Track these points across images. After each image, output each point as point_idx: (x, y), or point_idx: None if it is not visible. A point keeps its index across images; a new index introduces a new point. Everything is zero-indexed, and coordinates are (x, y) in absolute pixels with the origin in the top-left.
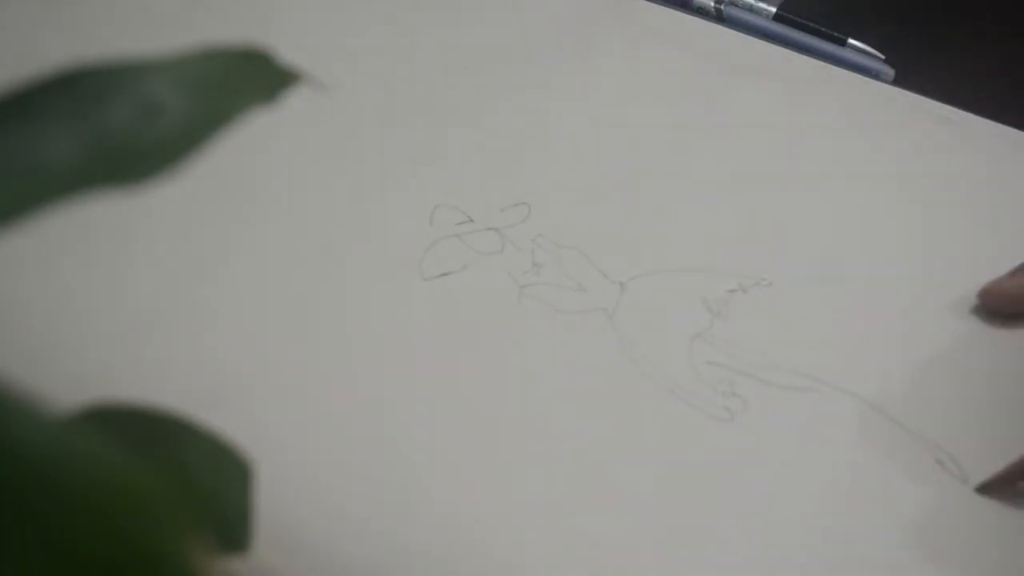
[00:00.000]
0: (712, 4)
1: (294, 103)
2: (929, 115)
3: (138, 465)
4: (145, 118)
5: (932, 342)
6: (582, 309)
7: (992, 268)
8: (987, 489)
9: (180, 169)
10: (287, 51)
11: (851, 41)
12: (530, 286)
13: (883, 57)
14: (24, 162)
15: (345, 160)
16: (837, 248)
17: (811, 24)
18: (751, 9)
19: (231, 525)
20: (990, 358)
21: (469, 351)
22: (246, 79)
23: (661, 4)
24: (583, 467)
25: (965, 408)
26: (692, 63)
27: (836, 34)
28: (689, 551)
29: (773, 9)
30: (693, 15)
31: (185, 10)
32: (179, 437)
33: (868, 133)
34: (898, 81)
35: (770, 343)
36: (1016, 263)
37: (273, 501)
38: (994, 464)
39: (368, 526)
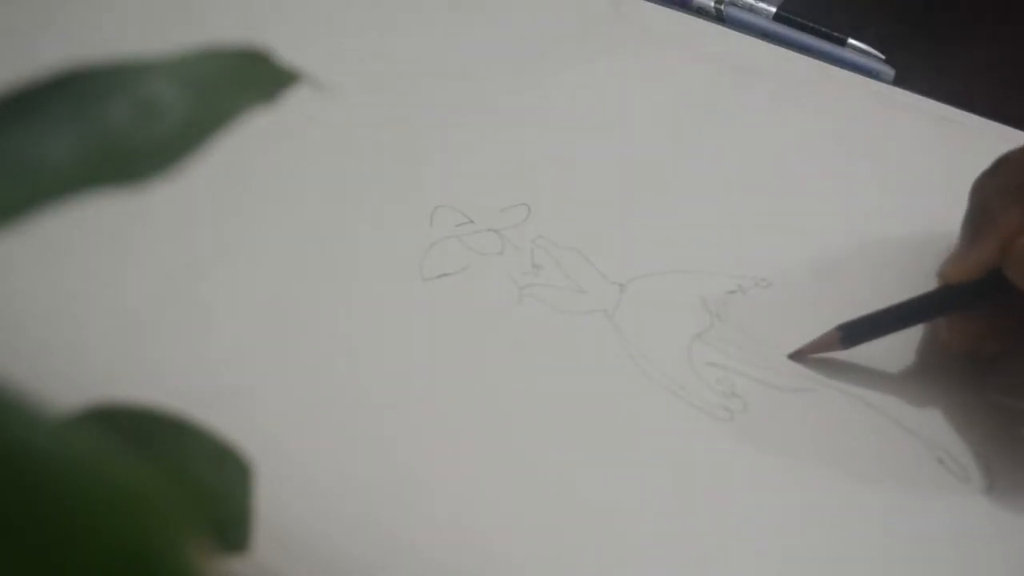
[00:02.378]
0: (712, 4)
1: (294, 103)
2: (929, 115)
3: (138, 465)
4: (145, 118)
5: (933, 342)
6: (582, 310)
7: None
8: (797, 356)
9: (179, 169)
10: (287, 51)
11: (851, 41)
12: (530, 287)
13: (883, 57)
14: (24, 162)
15: (345, 160)
16: (836, 248)
17: (811, 24)
18: (751, 9)
19: (231, 525)
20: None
21: (469, 352)
22: (246, 79)
23: (661, 4)
24: (584, 467)
25: (966, 407)
26: (692, 63)
27: (836, 34)
28: (689, 550)
29: (773, 9)
30: (693, 15)
31: (185, 10)
32: (179, 437)
33: (868, 133)
34: (898, 81)
35: (770, 343)
36: None
37: (273, 501)
38: (994, 460)
39: (368, 526)
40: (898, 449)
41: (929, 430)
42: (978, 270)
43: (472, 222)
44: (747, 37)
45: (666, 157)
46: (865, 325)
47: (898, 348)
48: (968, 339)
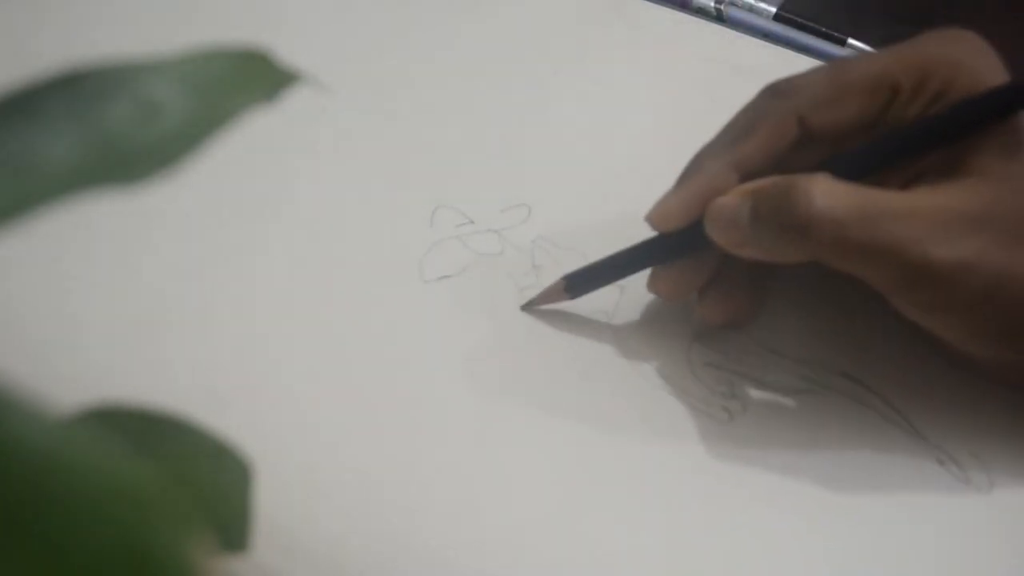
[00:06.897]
0: (712, 4)
1: (294, 103)
2: None
3: (138, 465)
4: (145, 118)
5: (933, 349)
6: (581, 311)
7: None
8: (527, 307)
9: (180, 169)
10: (287, 51)
11: (851, 41)
12: (530, 288)
13: None
14: (24, 162)
15: (345, 161)
16: None
17: (811, 24)
18: (751, 9)
19: (231, 525)
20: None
21: (469, 352)
22: (246, 79)
23: (661, 4)
24: (583, 468)
25: (965, 407)
26: (692, 63)
27: (836, 34)
28: (689, 552)
29: (773, 9)
30: (693, 15)
31: (185, 10)
32: (179, 437)
33: None
34: None
35: (769, 345)
36: None
37: (273, 501)
38: (994, 462)
39: (369, 526)
40: (897, 450)
41: (928, 431)
42: (679, 219)
43: (472, 223)
44: (747, 37)
45: (666, 157)
46: (586, 275)
47: (899, 349)
48: (676, 290)
